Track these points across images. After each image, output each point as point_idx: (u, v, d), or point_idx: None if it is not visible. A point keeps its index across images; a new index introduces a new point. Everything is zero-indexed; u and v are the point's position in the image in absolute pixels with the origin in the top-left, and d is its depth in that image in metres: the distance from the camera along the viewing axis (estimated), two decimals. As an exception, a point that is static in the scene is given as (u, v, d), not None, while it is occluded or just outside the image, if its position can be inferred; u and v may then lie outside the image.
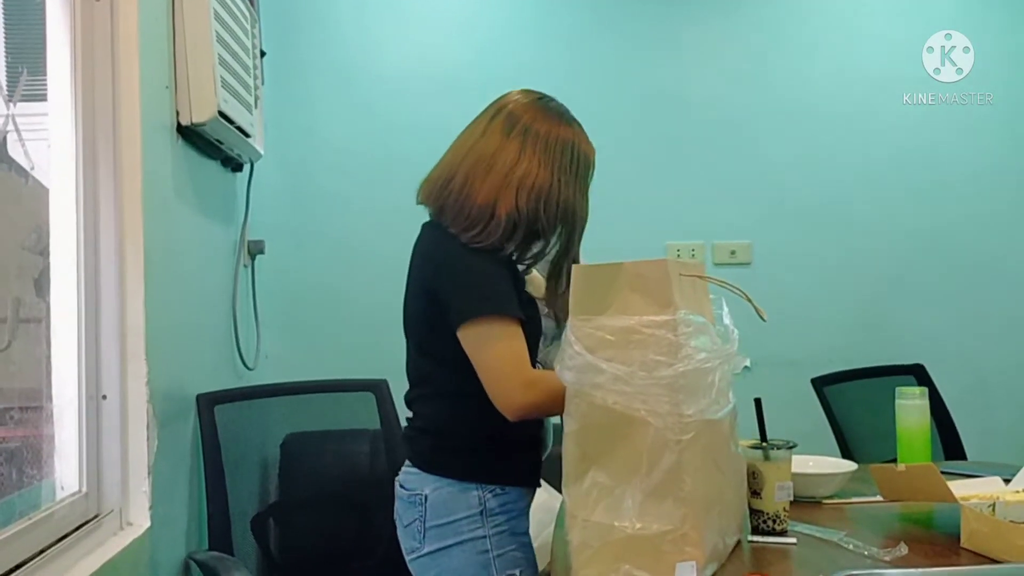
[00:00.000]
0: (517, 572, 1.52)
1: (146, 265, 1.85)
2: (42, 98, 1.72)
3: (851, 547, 1.37)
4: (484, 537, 1.51)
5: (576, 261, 1.56)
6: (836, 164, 3.24)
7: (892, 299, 3.24)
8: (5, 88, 1.62)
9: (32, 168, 1.77)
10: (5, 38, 1.65)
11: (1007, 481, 1.65)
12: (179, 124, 2.12)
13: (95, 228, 1.79)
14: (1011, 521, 1.36)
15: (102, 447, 1.78)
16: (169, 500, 1.97)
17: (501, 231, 1.52)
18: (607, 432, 1.25)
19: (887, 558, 1.31)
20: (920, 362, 2.80)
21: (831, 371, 2.75)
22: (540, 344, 1.55)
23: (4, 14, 1.67)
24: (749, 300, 1.36)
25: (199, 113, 2.12)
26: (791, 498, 1.48)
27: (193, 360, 2.26)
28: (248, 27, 2.52)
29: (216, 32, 2.17)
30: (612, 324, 1.26)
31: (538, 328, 1.55)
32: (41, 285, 1.74)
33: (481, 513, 1.52)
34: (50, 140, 1.73)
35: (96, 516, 1.72)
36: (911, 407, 1.85)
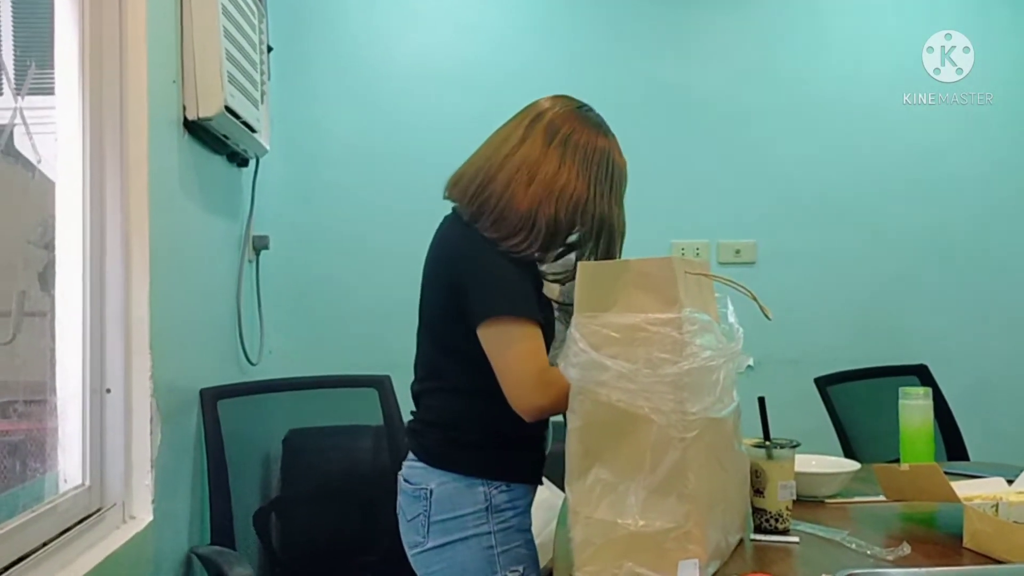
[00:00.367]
0: (521, 568, 1.53)
1: (151, 259, 1.85)
2: (50, 92, 1.72)
3: (854, 546, 1.38)
4: (489, 533, 1.52)
5: None
6: (839, 163, 3.23)
7: (896, 299, 3.24)
8: (13, 81, 1.62)
9: (39, 162, 1.78)
10: (13, 32, 1.65)
11: (1010, 482, 1.65)
12: (186, 119, 2.12)
13: (101, 222, 1.79)
14: (1014, 522, 1.37)
15: (106, 441, 1.78)
16: (172, 494, 1.98)
17: (541, 240, 1.52)
18: (611, 429, 1.25)
19: (890, 557, 1.31)
20: (923, 362, 2.80)
21: (834, 371, 2.75)
22: (552, 346, 1.55)
23: (12, 7, 1.67)
24: (755, 299, 1.36)
25: (206, 108, 2.13)
26: (794, 497, 1.48)
27: (197, 355, 2.26)
28: (255, 22, 2.52)
29: (224, 27, 2.17)
30: (617, 321, 1.26)
31: (552, 331, 1.55)
32: (46, 279, 1.75)
33: (487, 509, 1.52)
34: (57, 134, 1.73)
35: (99, 509, 1.72)
36: (914, 407, 1.85)
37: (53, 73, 1.71)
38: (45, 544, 1.49)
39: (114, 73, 1.81)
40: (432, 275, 1.61)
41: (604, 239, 1.57)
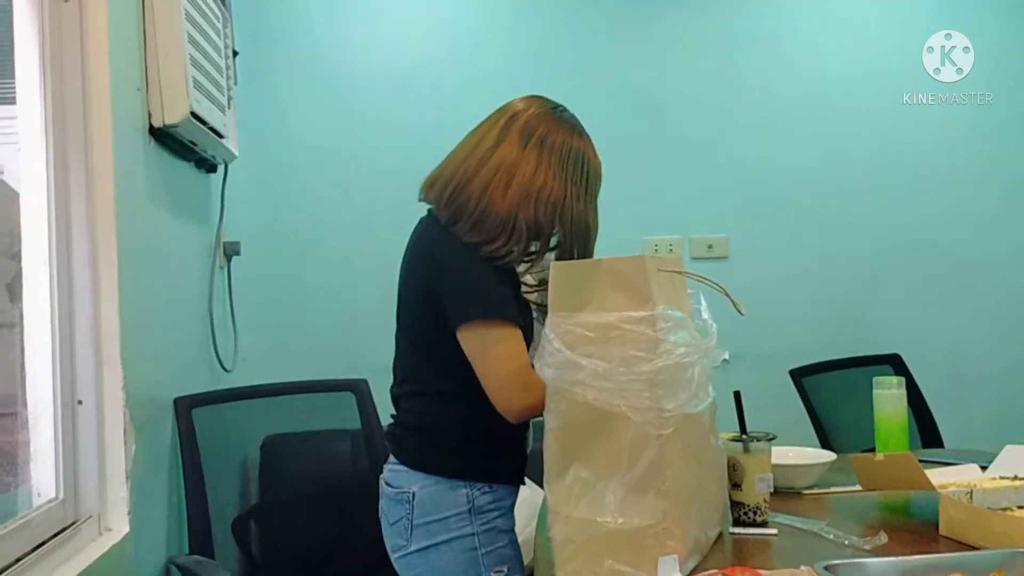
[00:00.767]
0: (505, 569, 1.53)
1: (120, 268, 1.83)
2: (11, 101, 1.70)
3: (832, 537, 1.39)
4: (472, 535, 1.51)
5: None
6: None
7: (868, 291, 3.26)
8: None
9: (2, 172, 1.75)
10: (-28, 41, 1.63)
11: (984, 468, 1.67)
12: (151, 126, 2.10)
13: (67, 232, 1.77)
14: (988, 508, 1.38)
15: (79, 453, 1.76)
16: (148, 505, 1.96)
17: (523, 244, 1.52)
18: (588, 428, 1.25)
19: (867, 547, 1.32)
20: (896, 351, 2.82)
21: (809, 362, 2.76)
22: (531, 350, 1.54)
23: (-29, 17, 1.65)
24: (727, 294, 1.36)
25: (171, 114, 2.10)
26: (771, 490, 1.49)
27: (170, 363, 2.24)
28: (220, 27, 2.50)
29: (187, 32, 2.15)
30: (591, 320, 1.26)
31: (531, 333, 1.55)
32: (14, 290, 1.72)
33: (469, 511, 1.52)
34: (20, 144, 1.71)
35: (74, 523, 1.70)
36: (888, 396, 1.87)
37: (14, 83, 1.69)
38: (19, 560, 1.47)
39: (76, 81, 1.78)
40: (409, 279, 1.60)
41: (580, 240, 1.58)
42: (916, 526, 1.47)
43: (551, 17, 3.22)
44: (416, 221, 1.65)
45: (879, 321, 3.23)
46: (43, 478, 1.69)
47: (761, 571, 1.15)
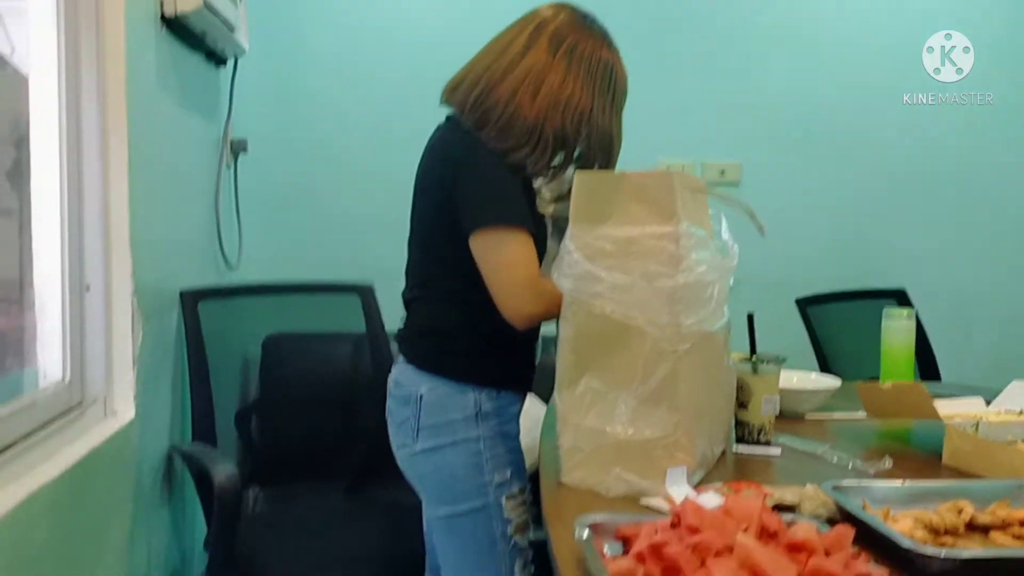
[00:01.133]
0: (508, 473, 1.54)
1: (130, 156, 1.80)
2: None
3: (835, 460, 1.40)
4: (478, 438, 1.53)
5: None
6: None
7: (877, 223, 3.25)
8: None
9: (12, 53, 1.70)
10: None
11: (988, 403, 1.68)
12: (163, 14, 2.06)
13: (77, 117, 1.74)
14: (994, 440, 1.39)
15: (86, 338, 1.76)
16: (153, 392, 1.97)
17: (548, 155, 1.51)
18: (603, 340, 1.25)
19: (872, 471, 1.33)
20: (902, 286, 2.83)
21: (815, 292, 2.76)
22: (543, 263, 1.53)
23: None
24: (752, 214, 1.35)
25: (184, 3, 2.06)
26: (777, 411, 1.50)
27: (177, 256, 2.23)
28: (236, -87, 2.41)
29: (203, -83, 2.08)
30: (613, 233, 1.25)
31: (543, 246, 1.54)
32: (15, 176, 1.70)
33: (476, 415, 1.53)
34: (31, 26, 1.66)
35: (80, 403, 1.71)
36: (898, 327, 1.87)
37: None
38: (27, 436, 1.47)
39: (90, -37, 1.73)
40: (425, 182, 1.58)
41: (604, 153, 1.56)
42: (917, 455, 1.49)
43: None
44: (429, 125, 1.62)
45: (886, 255, 3.23)
46: (49, 361, 1.69)
47: (766, 487, 1.16)
